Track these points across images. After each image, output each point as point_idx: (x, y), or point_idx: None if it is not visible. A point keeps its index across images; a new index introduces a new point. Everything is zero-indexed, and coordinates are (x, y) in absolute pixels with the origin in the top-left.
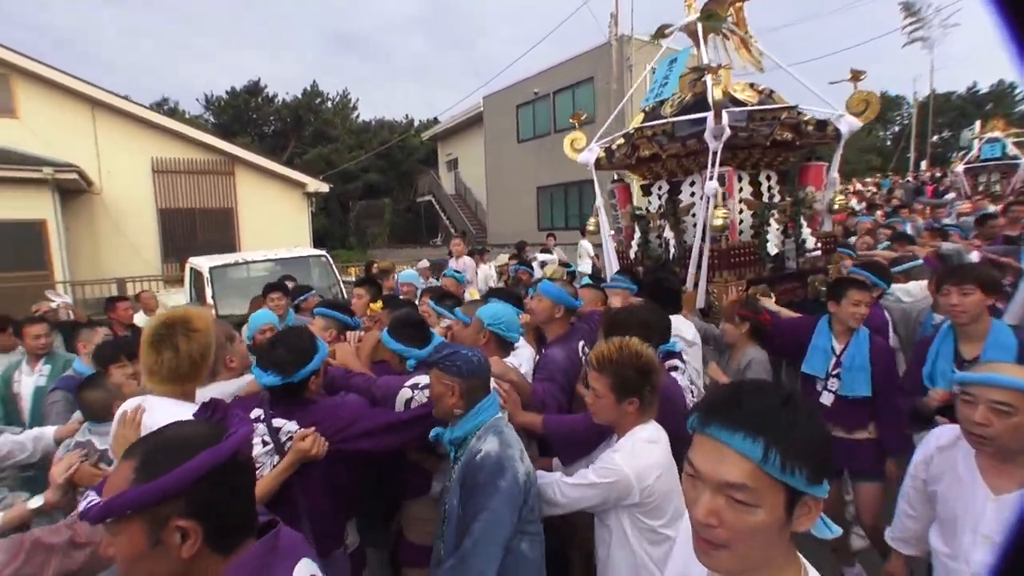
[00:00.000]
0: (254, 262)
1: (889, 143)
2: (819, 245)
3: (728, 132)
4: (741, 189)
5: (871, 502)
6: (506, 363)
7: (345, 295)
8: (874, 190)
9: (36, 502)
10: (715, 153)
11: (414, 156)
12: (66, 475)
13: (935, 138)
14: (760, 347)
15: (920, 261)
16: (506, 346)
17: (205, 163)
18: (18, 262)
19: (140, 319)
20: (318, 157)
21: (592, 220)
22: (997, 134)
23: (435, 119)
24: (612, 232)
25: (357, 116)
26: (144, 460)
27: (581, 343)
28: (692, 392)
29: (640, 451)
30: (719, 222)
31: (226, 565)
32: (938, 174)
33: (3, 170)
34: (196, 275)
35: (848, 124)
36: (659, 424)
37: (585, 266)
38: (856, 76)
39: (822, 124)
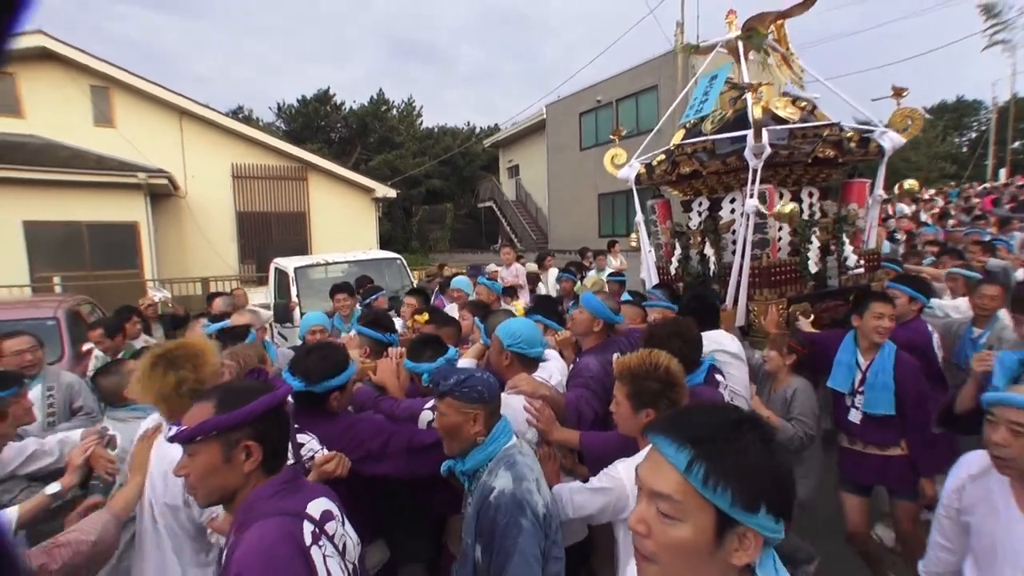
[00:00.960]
0: (334, 263)
1: (965, 150)
2: (862, 262)
3: (768, 150)
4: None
5: (904, 519)
6: (535, 379)
7: None
8: (940, 201)
9: (53, 488)
10: (755, 171)
11: (475, 162)
12: (83, 456)
13: (1016, 144)
14: (801, 376)
15: (977, 275)
16: (531, 363)
17: (280, 169)
18: (113, 261)
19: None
20: (383, 163)
21: (633, 235)
22: None
23: (496, 126)
24: (651, 248)
25: (421, 123)
26: (221, 399)
27: (616, 354)
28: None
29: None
30: (788, 209)
31: (265, 481)
32: (1020, 182)
33: (103, 175)
34: (281, 274)
35: (891, 140)
36: None
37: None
38: (898, 93)
39: (865, 141)
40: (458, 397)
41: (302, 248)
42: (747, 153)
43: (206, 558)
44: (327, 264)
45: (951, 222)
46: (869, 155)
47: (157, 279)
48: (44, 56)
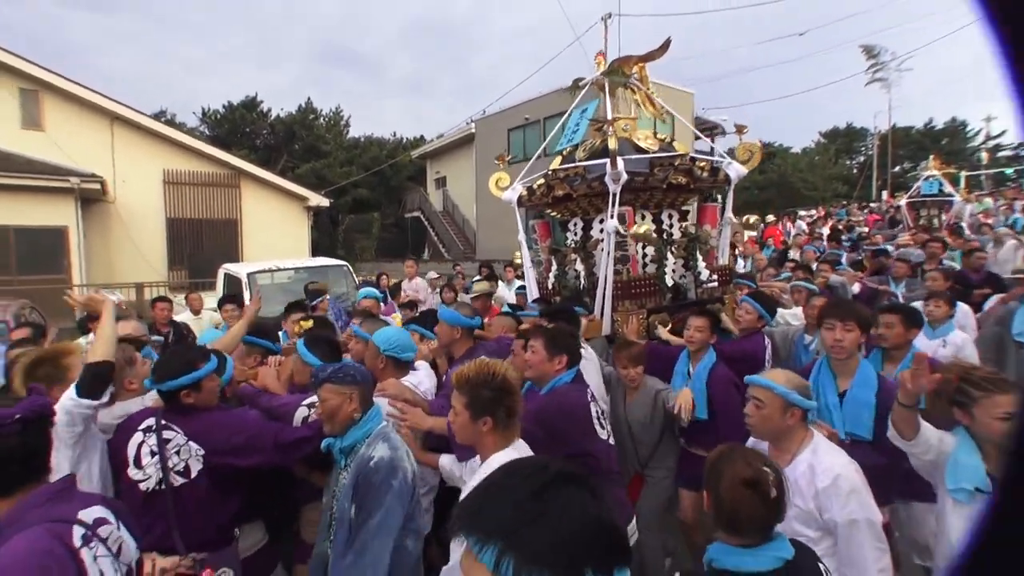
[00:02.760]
0: (284, 269)
1: (856, 171)
2: (715, 277)
3: (624, 176)
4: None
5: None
6: (400, 383)
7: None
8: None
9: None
10: (614, 194)
11: (402, 173)
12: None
13: (896, 168)
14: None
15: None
16: (403, 366)
17: (213, 176)
18: (41, 266)
19: (187, 318)
20: (309, 171)
21: (517, 254)
22: (934, 172)
23: (422, 137)
24: (532, 264)
25: (348, 132)
26: None
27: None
28: (596, 401)
29: None
30: (643, 229)
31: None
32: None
33: (33, 179)
34: (231, 280)
35: (736, 171)
36: (538, 441)
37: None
38: (740, 130)
39: (715, 170)
40: (335, 381)
41: (233, 255)
42: (606, 178)
43: None
44: (278, 270)
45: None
46: (718, 182)
47: (85, 284)
48: None
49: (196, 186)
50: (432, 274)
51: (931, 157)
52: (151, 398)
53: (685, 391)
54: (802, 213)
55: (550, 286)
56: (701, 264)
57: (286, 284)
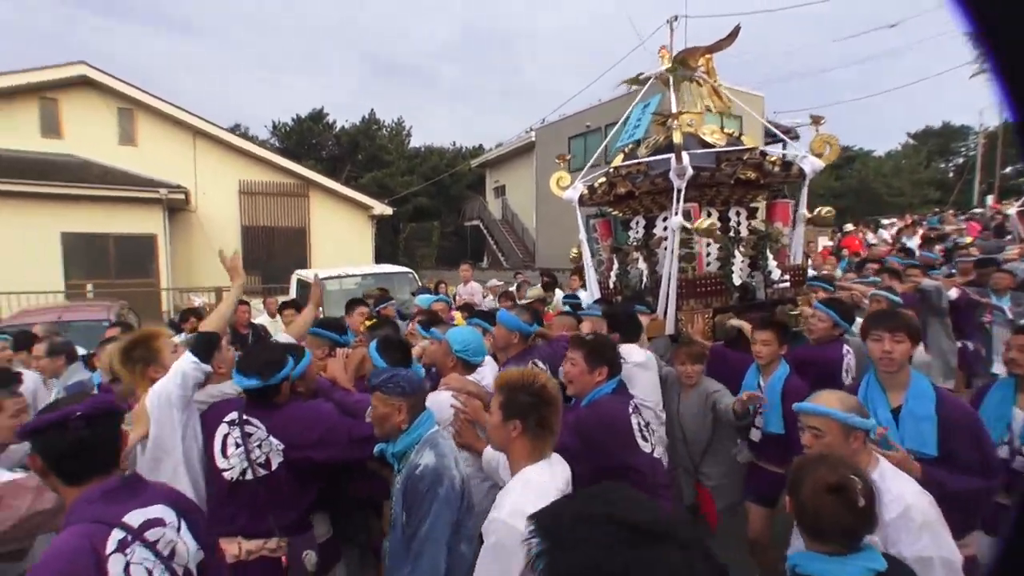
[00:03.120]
0: (352, 276)
1: (952, 175)
2: (786, 277)
3: (690, 171)
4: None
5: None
6: (462, 377)
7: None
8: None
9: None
10: (679, 190)
11: (462, 182)
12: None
13: (1008, 169)
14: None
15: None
16: (470, 368)
17: (283, 186)
18: (134, 270)
19: (263, 320)
20: (372, 181)
21: (574, 250)
22: None
23: (480, 146)
24: (593, 264)
25: (409, 142)
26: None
27: (534, 360)
28: (640, 413)
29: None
30: (706, 224)
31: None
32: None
33: (130, 191)
34: (303, 285)
35: (811, 164)
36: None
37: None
38: (816, 121)
39: (787, 164)
40: (385, 391)
41: (302, 262)
42: (671, 174)
43: None
44: (347, 276)
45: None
46: (791, 177)
47: (171, 288)
48: (83, 83)
49: (268, 196)
50: (495, 281)
51: None
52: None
53: (752, 393)
54: (885, 222)
55: (611, 285)
56: (772, 263)
57: (353, 290)
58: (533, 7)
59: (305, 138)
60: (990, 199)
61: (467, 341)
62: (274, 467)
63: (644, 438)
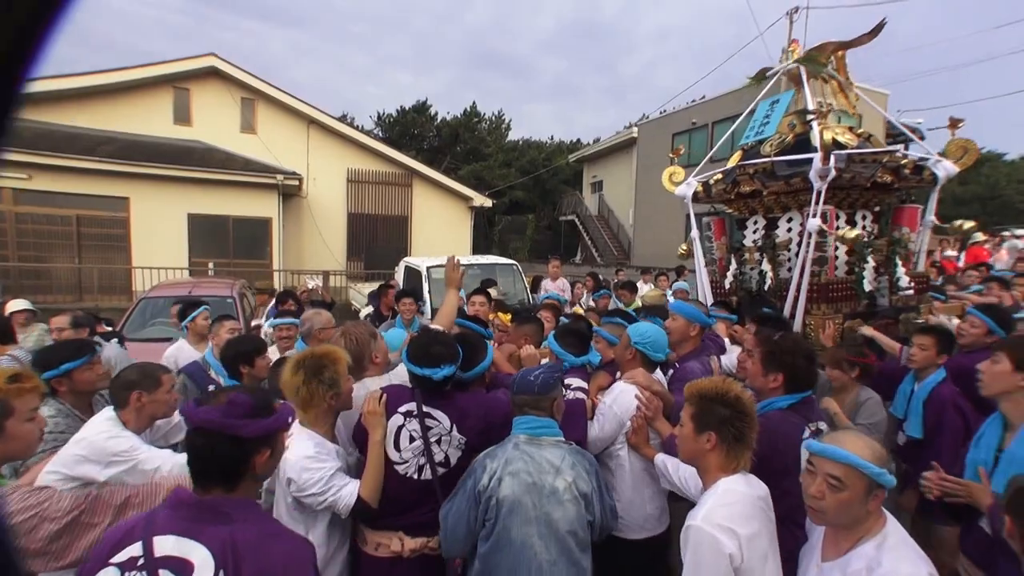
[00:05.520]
0: (460, 265)
1: None
2: (912, 284)
3: (833, 173)
4: (838, 227)
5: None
6: (649, 375)
7: (531, 300)
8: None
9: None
10: (819, 192)
11: (559, 176)
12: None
13: None
14: (869, 387)
15: None
16: (650, 364)
17: (388, 175)
18: (250, 251)
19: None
20: (470, 172)
21: (683, 247)
22: None
23: (578, 140)
24: (706, 263)
25: (508, 136)
26: None
27: (714, 356)
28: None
29: (718, 511)
30: (853, 235)
31: None
32: None
33: (250, 176)
34: (411, 272)
35: (945, 169)
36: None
37: None
38: (954, 124)
39: (919, 168)
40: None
41: (404, 250)
42: (812, 175)
43: None
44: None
45: None
46: (923, 183)
47: (282, 269)
48: (211, 73)
49: (374, 184)
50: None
51: None
52: (396, 375)
53: (829, 399)
54: (1019, 232)
55: (727, 286)
56: (900, 270)
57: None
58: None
59: (408, 129)
60: None
61: (647, 334)
62: (452, 463)
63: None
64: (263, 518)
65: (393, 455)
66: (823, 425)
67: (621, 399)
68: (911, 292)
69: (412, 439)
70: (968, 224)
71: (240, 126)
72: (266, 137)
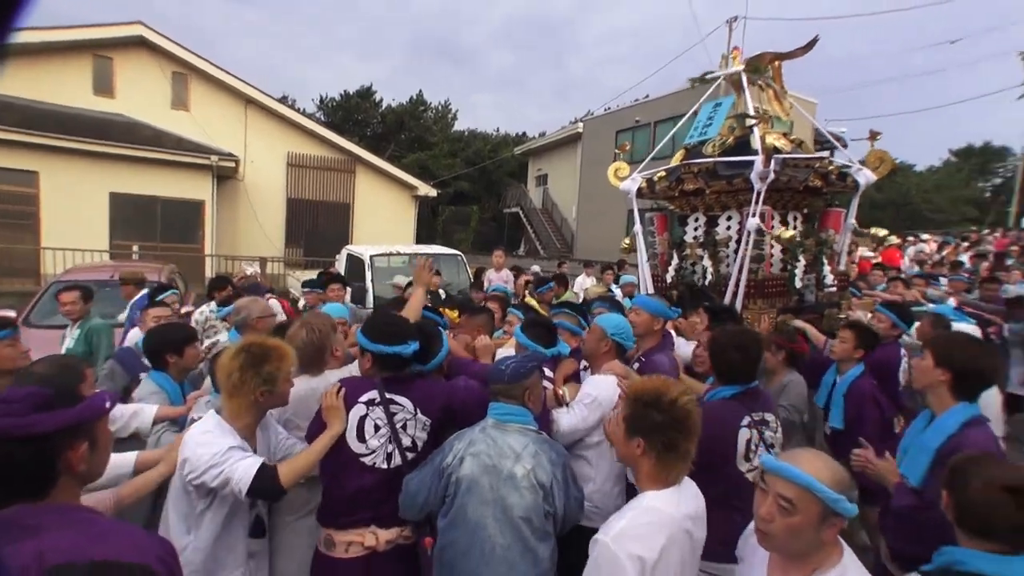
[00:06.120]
0: (402, 254)
1: (988, 195)
2: (835, 282)
3: (772, 175)
4: (773, 227)
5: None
6: (625, 366)
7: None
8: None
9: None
10: (759, 193)
11: (504, 168)
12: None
13: None
14: (797, 371)
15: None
16: (623, 353)
17: (331, 160)
18: (180, 235)
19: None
20: (415, 161)
21: (626, 241)
22: None
23: (524, 134)
24: (648, 257)
25: (454, 126)
26: None
27: (673, 350)
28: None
29: (630, 532)
30: (788, 235)
31: None
32: None
33: (181, 155)
34: (353, 260)
35: (865, 177)
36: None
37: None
38: (873, 136)
39: (843, 175)
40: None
41: (345, 237)
42: (753, 176)
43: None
44: (397, 255)
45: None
46: (846, 188)
47: (214, 255)
48: (138, 43)
49: (315, 169)
50: (536, 268)
51: None
52: (357, 369)
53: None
54: (925, 236)
55: (668, 280)
56: (826, 268)
57: (401, 268)
58: (584, 5)
59: (351, 114)
60: None
61: (620, 325)
62: (420, 447)
63: (748, 458)
64: (85, 521)
65: (358, 448)
66: (768, 416)
67: (605, 389)
68: (835, 289)
69: (377, 427)
70: (883, 232)
71: (171, 102)
72: (200, 115)
